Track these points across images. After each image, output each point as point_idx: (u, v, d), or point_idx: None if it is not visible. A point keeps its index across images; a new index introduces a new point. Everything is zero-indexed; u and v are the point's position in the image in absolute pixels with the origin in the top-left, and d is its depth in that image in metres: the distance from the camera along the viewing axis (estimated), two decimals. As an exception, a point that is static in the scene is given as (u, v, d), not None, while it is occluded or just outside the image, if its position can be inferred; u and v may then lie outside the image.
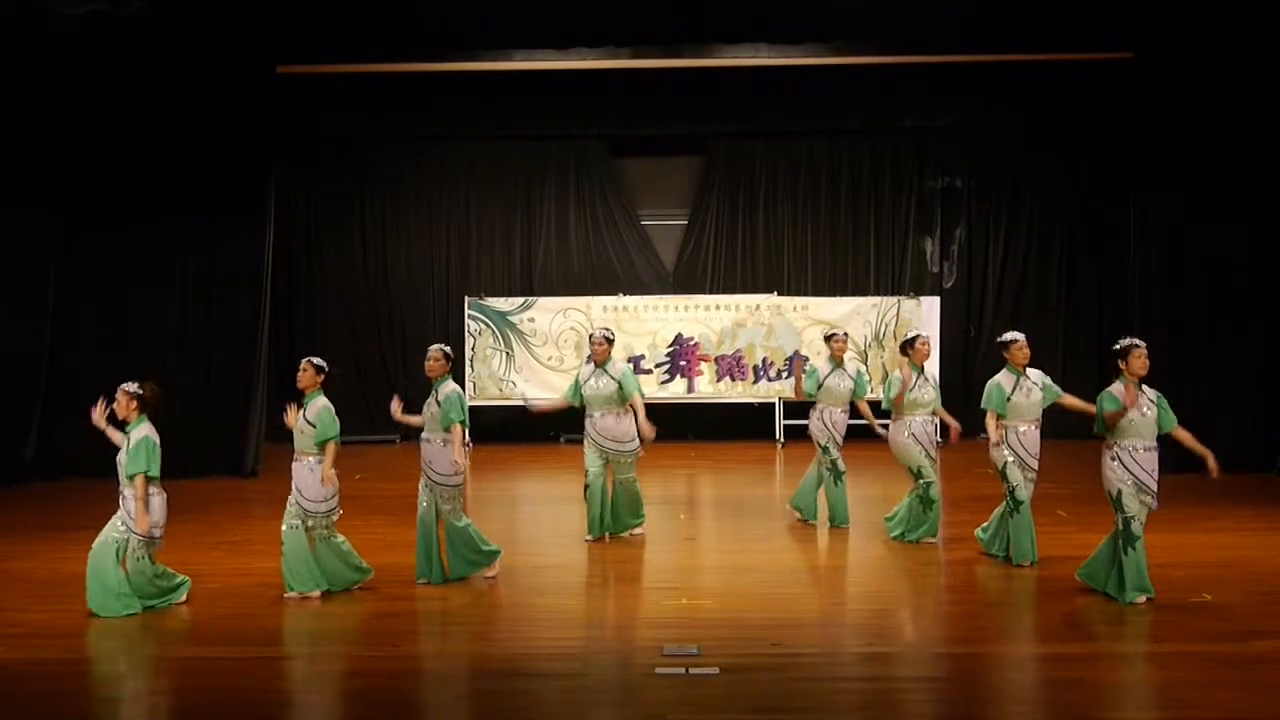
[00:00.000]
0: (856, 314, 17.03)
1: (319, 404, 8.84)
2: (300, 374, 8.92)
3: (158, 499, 8.48)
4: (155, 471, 8.37)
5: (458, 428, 8.94)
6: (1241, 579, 8.89)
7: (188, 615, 8.36)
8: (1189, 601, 8.37)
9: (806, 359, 15.82)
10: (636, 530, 10.83)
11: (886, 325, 17.10)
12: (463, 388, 16.96)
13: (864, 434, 11.40)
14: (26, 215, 14.13)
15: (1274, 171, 14.07)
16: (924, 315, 17.06)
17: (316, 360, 9.02)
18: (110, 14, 12.26)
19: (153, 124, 14.19)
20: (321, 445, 8.74)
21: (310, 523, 8.75)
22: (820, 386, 11.15)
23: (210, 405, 14.36)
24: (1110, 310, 17.81)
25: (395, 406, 9.51)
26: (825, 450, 11.12)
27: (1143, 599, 8.29)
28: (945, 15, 14.54)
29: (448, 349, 9.38)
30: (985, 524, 9.95)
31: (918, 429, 10.35)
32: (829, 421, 11.11)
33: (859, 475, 11.91)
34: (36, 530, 11.16)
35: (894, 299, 17.48)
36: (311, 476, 8.76)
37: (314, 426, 8.76)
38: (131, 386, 8.54)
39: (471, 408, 17.06)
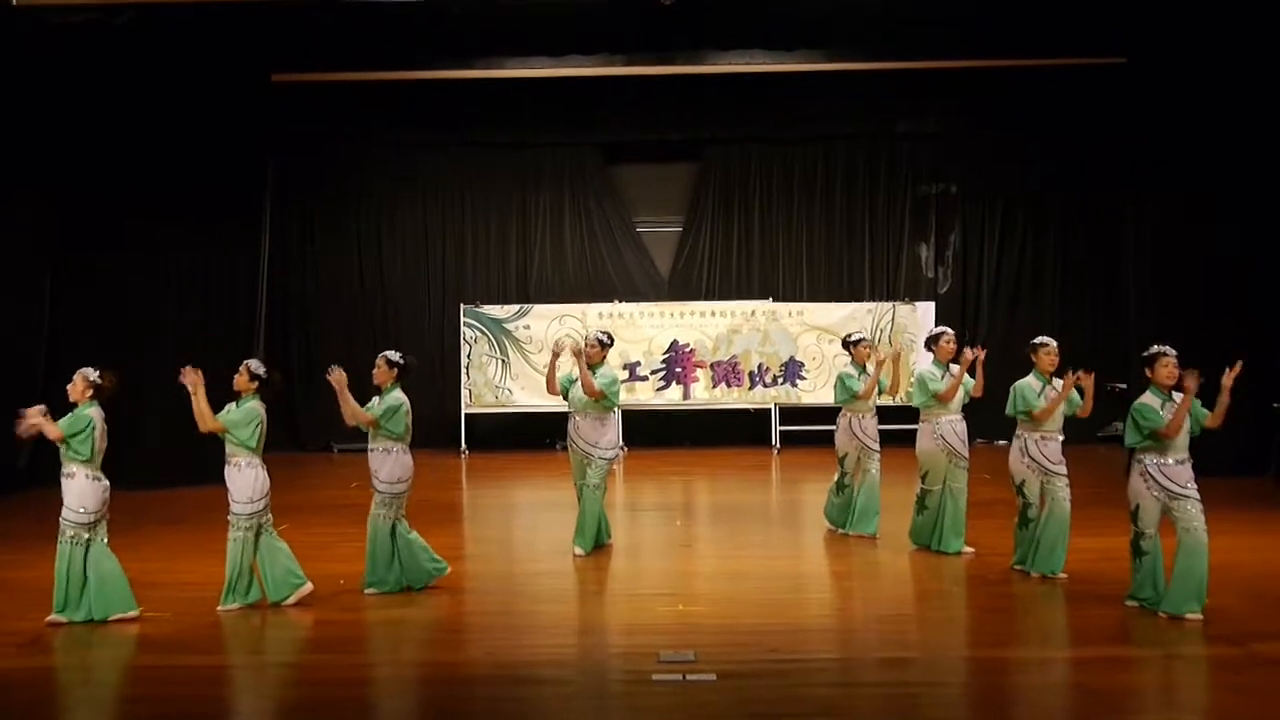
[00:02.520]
0: (852, 319, 17.04)
1: (247, 404, 8.75)
2: (236, 377, 8.84)
3: (96, 484, 8.32)
4: (88, 454, 8.22)
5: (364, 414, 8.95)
6: (1238, 582, 8.88)
7: (180, 624, 8.33)
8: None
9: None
10: (578, 551, 10.30)
11: (882, 331, 17.13)
12: (459, 395, 17.23)
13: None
14: (24, 224, 14.15)
15: (1266, 174, 14.11)
16: (919, 320, 17.10)
17: (252, 365, 8.89)
18: (104, 23, 12.27)
19: (150, 134, 14.19)
20: (245, 445, 8.62)
21: (246, 525, 8.63)
22: (855, 394, 10.84)
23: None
24: (1105, 315, 17.85)
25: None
26: (841, 462, 10.99)
27: (1134, 605, 8.30)
28: (938, 21, 14.57)
29: (391, 355, 9.18)
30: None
31: (945, 430, 10.07)
32: (858, 428, 10.84)
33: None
34: (32, 538, 11.08)
35: (889, 304, 17.51)
36: (240, 477, 8.65)
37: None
38: (92, 373, 8.43)
39: (467, 415, 17.29)
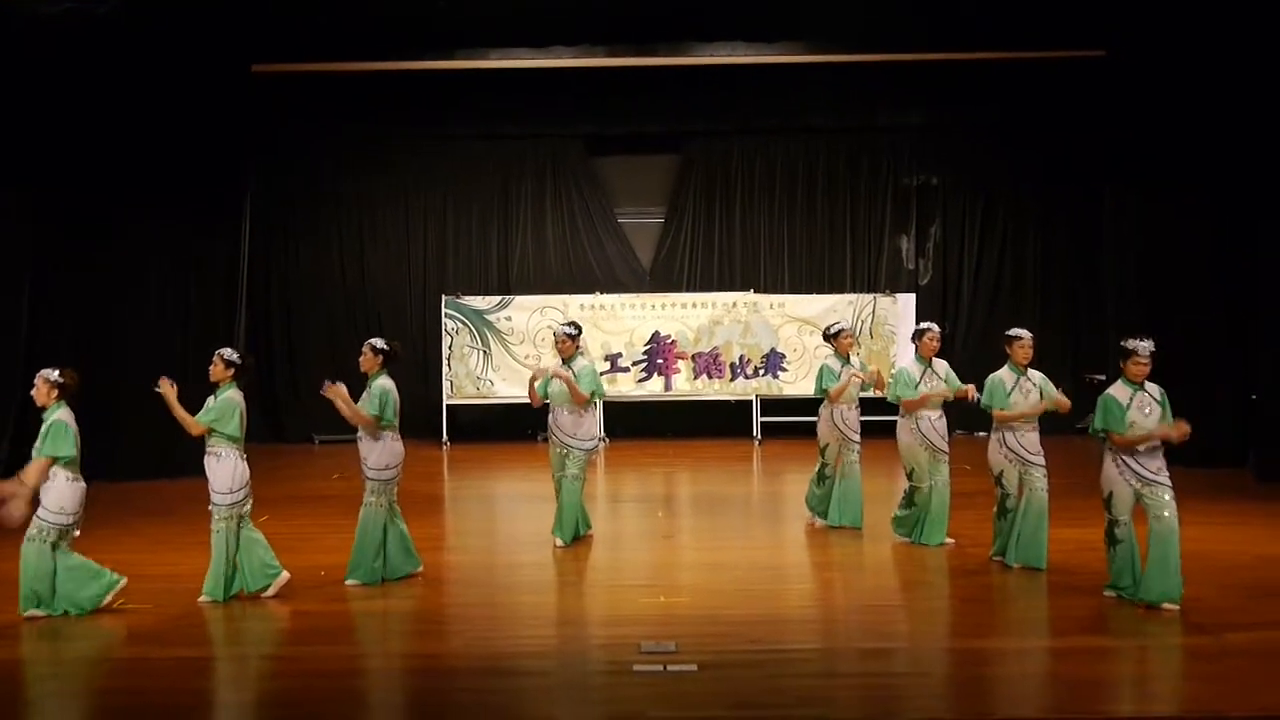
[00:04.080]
0: (833, 311, 17.04)
1: (224, 395, 8.72)
2: (211, 368, 8.81)
3: (75, 485, 8.26)
4: (69, 453, 8.16)
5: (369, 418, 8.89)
6: (1213, 572, 8.94)
7: (161, 615, 8.31)
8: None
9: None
10: (558, 542, 10.29)
11: (863, 322, 17.17)
12: (441, 386, 17.21)
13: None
14: (2, 218, 14.03)
15: (1245, 167, 14.15)
16: (900, 312, 17.15)
17: (225, 353, 8.87)
18: (86, 12, 12.20)
19: (128, 126, 14.08)
20: (230, 437, 8.61)
21: (228, 515, 8.58)
22: (824, 392, 10.83)
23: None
24: (1086, 306, 17.93)
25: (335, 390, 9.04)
26: (822, 452, 10.98)
27: (1112, 595, 8.36)
28: (919, 14, 14.60)
29: (377, 343, 9.12)
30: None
31: (925, 425, 10.01)
32: (840, 419, 10.81)
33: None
34: (11, 533, 11.07)
35: (870, 296, 17.55)
36: (219, 467, 8.62)
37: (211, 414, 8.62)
38: (52, 374, 8.34)
39: (449, 406, 17.28)
